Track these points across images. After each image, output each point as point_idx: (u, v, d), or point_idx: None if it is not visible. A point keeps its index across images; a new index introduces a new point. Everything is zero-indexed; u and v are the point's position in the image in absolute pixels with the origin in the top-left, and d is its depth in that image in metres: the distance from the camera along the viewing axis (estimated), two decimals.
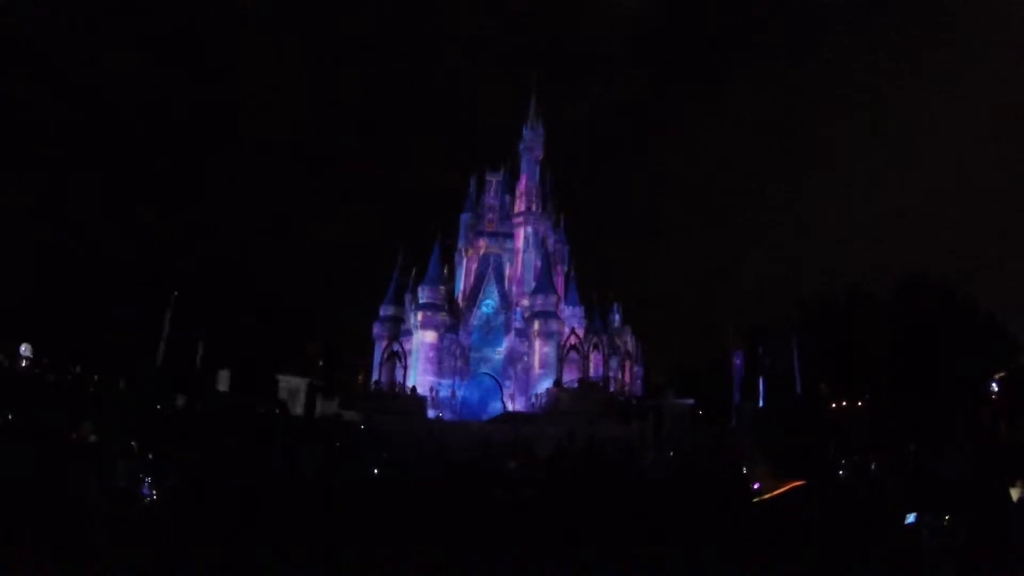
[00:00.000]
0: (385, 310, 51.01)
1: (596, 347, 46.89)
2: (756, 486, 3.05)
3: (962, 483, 7.51)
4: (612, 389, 45.63)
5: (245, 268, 55.98)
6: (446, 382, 46.96)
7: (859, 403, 36.49)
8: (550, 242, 53.73)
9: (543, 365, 46.36)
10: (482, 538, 7.09)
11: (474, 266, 52.43)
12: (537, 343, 47.01)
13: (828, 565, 2.62)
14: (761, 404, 34.04)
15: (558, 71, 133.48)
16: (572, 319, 49.33)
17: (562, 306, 49.04)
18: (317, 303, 69.34)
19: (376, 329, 50.54)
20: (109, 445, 8.69)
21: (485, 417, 43.39)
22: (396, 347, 46.35)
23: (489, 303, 49.33)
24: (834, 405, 35.27)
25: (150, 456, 9.04)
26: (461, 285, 52.66)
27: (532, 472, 11.61)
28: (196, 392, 25.62)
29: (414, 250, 52.34)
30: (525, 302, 48.95)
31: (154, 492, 7.68)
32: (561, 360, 45.78)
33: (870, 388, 36.44)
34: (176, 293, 33.91)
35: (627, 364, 49.52)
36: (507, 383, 47.59)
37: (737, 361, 37.76)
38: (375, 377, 46.71)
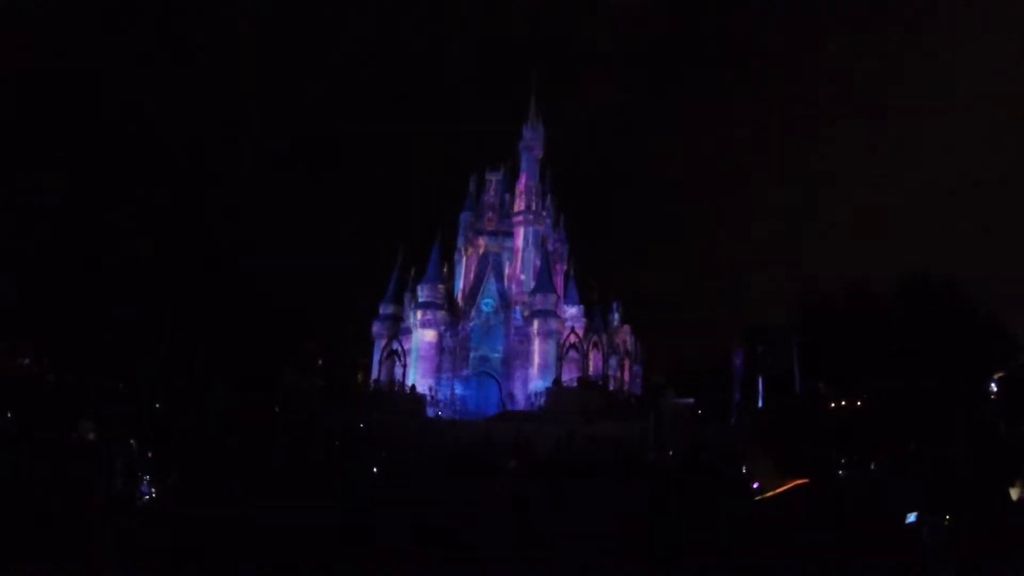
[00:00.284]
0: (385, 309, 51.00)
1: (595, 346, 46.89)
2: (756, 485, 3.05)
3: (962, 483, 7.51)
4: (611, 388, 45.64)
5: (245, 268, 55.93)
6: (445, 381, 46.93)
7: (858, 403, 36.49)
8: (550, 241, 53.76)
9: (542, 364, 46.34)
10: (483, 535, 7.09)
11: (474, 265, 52.45)
12: (536, 342, 47.00)
13: (830, 563, 2.61)
14: (761, 403, 34.06)
15: (558, 71, 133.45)
16: (571, 318, 49.34)
17: (561, 305, 49.04)
18: (317, 302, 69.29)
19: (375, 328, 50.53)
20: (108, 444, 8.67)
21: (484, 416, 43.35)
22: (395, 346, 46.33)
23: (489, 302, 49.30)
24: (833, 405, 35.28)
25: (149, 455, 9.03)
26: (461, 284, 52.67)
27: (532, 470, 11.62)
28: (196, 392, 25.64)
29: (414, 249, 52.41)
30: (524, 301, 48.96)
31: (153, 491, 7.67)
32: (560, 359, 45.76)
33: (869, 388, 36.42)
34: (176, 294, 33.91)
35: (626, 363, 49.52)
36: (506, 382, 47.56)
37: (737, 360, 37.74)
38: (374, 376, 46.71)
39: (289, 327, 51.39)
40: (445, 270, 51.05)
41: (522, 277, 50.53)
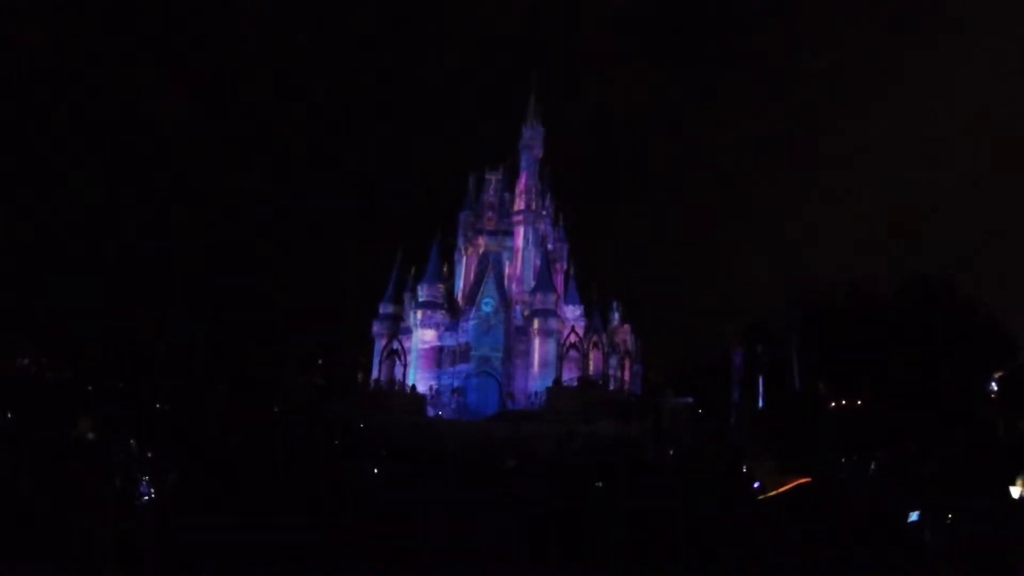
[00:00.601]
0: (384, 308, 50.94)
1: (595, 345, 46.87)
2: (758, 484, 3.04)
3: (962, 482, 7.50)
4: (611, 387, 45.61)
5: (245, 267, 55.94)
6: (445, 380, 46.89)
7: (858, 402, 36.47)
8: (549, 241, 53.75)
9: (542, 363, 46.33)
10: (482, 536, 7.07)
11: (473, 264, 52.42)
12: (536, 341, 46.99)
13: (833, 561, 2.60)
14: (760, 403, 34.04)
15: (558, 71, 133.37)
16: (571, 318, 49.35)
17: (561, 305, 49.03)
18: (317, 301, 69.28)
19: (376, 327, 50.47)
20: (107, 443, 8.65)
21: (485, 415, 43.33)
22: (395, 345, 46.32)
23: (488, 301, 49.24)
24: (833, 404, 35.25)
25: (149, 455, 9.01)
26: (460, 283, 52.63)
27: (532, 470, 11.60)
28: (196, 391, 25.64)
29: (414, 248, 52.39)
30: (524, 300, 48.94)
31: (152, 491, 7.64)
32: (560, 358, 45.77)
33: (869, 387, 36.41)
34: (175, 294, 33.92)
35: (626, 362, 49.49)
36: (506, 381, 47.51)
37: (736, 360, 37.73)
38: (375, 375, 46.69)
39: (289, 326, 51.41)
40: (445, 270, 51.05)
41: (522, 277, 50.52)
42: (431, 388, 45.49)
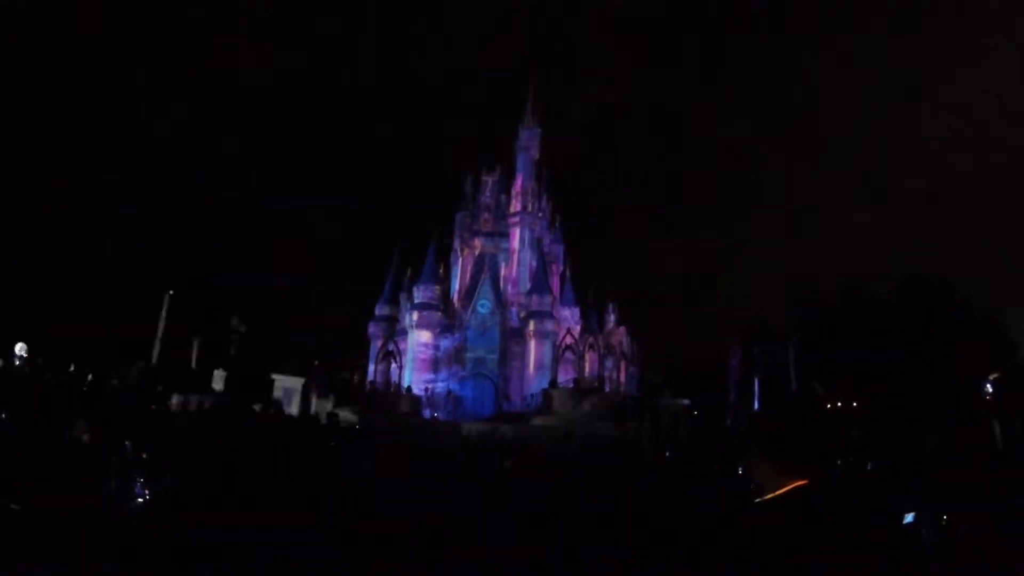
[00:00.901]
0: (380, 309, 50.96)
1: (591, 347, 46.88)
2: (755, 486, 3.03)
3: (960, 482, 7.50)
4: (607, 389, 45.61)
5: (240, 267, 55.81)
6: (441, 382, 46.91)
7: (855, 403, 36.50)
8: (546, 242, 53.80)
9: (538, 365, 46.36)
10: (479, 537, 7.06)
11: (470, 266, 52.46)
12: (532, 343, 47.02)
13: (831, 563, 2.59)
14: (757, 404, 34.05)
15: (555, 70, 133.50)
16: (568, 319, 49.40)
17: (558, 306, 49.07)
18: (312, 302, 69.20)
19: (371, 328, 50.48)
20: (103, 444, 8.62)
21: (481, 417, 43.33)
22: (391, 347, 46.30)
23: (484, 303, 49.29)
24: (830, 405, 35.25)
25: (144, 456, 8.98)
26: (457, 285, 52.66)
27: (528, 472, 11.59)
28: (191, 392, 25.56)
29: (410, 249, 52.44)
30: (521, 302, 48.97)
31: (147, 492, 7.62)
32: (556, 360, 45.80)
33: (866, 388, 36.45)
34: (171, 292, 33.83)
35: (622, 364, 49.51)
36: (502, 383, 47.55)
37: (733, 361, 37.76)
38: (370, 377, 46.65)
39: (285, 327, 51.30)
40: (441, 271, 51.10)
41: (518, 278, 50.56)
42: (427, 390, 45.49)
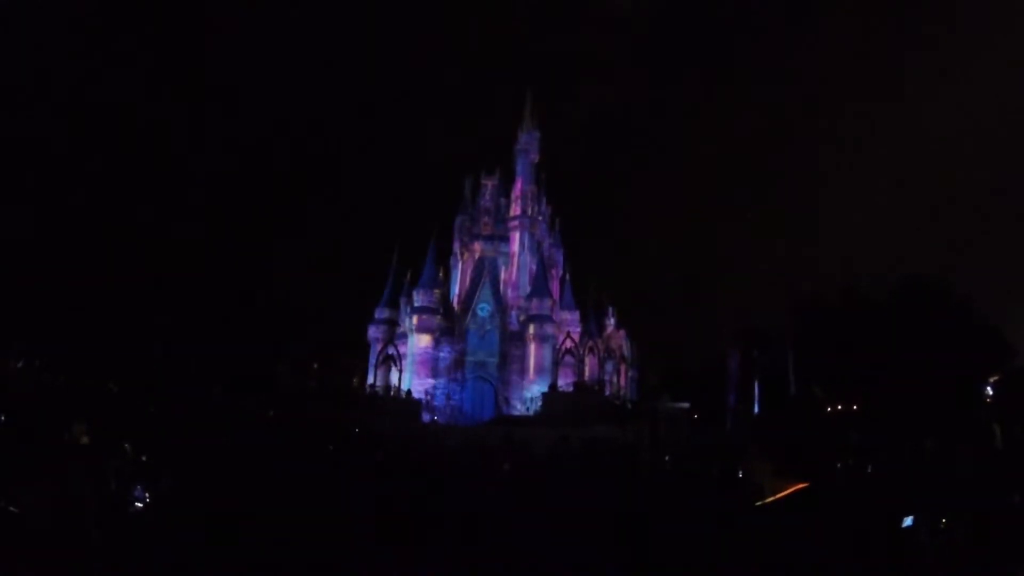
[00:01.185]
0: (380, 313, 50.93)
1: (591, 351, 46.88)
2: (756, 489, 3.02)
3: (959, 485, 7.50)
4: (607, 392, 45.59)
5: (241, 270, 55.84)
6: (441, 386, 46.85)
7: (854, 406, 36.47)
8: (545, 245, 53.79)
9: (538, 369, 46.35)
10: (478, 539, 7.05)
11: (469, 269, 52.43)
12: (532, 347, 47.01)
13: (831, 566, 2.59)
14: (756, 407, 34.04)
15: (554, 74, 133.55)
16: (567, 323, 49.38)
17: (557, 310, 49.04)
18: (312, 305, 69.14)
19: (371, 332, 50.44)
20: (101, 447, 8.61)
21: (480, 421, 43.29)
22: (391, 350, 46.23)
23: (484, 306, 49.25)
24: (829, 408, 35.23)
25: (143, 458, 8.97)
26: (456, 288, 52.62)
27: (527, 474, 11.58)
28: (190, 394, 25.56)
29: (409, 252, 52.40)
30: (520, 305, 48.95)
31: (147, 495, 7.60)
32: (556, 364, 45.76)
33: (865, 390, 36.43)
34: (170, 294, 33.86)
35: (622, 367, 49.52)
36: (502, 387, 47.52)
37: (732, 364, 37.74)
38: (370, 380, 46.55)
39: (285, 330, 51.30)
40: (441, 274, 51.04)
41: (518, 282, 50.54)
42: (426, 393, 45.43)
